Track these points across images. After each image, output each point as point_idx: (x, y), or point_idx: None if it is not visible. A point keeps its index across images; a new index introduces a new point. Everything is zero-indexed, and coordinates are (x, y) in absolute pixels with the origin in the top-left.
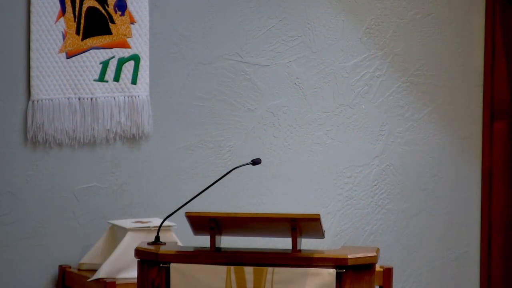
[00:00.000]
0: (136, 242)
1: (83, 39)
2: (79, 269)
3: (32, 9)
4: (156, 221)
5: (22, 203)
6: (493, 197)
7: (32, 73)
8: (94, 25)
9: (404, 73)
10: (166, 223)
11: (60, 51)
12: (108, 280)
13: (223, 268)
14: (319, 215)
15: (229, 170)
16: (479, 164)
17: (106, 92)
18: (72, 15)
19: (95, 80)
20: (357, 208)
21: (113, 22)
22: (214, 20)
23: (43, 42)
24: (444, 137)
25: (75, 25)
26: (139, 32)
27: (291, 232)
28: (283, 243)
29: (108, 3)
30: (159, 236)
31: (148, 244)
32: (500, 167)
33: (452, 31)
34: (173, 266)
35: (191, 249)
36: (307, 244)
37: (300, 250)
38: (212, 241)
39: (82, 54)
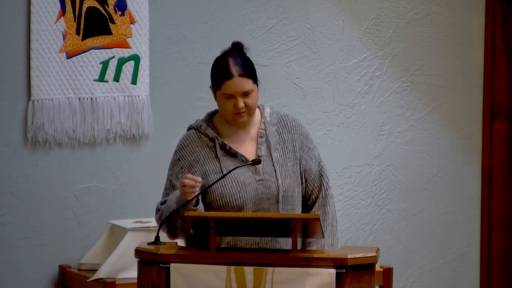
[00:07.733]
0: (136, 242)
1: (83, 39)
2: (79, 269)
3: (32, 9)
4: None
5: (22, 203)
6: (493, 197)
7: (32, 73)
8: (94, 25)
9: (404, 73)
10: None
11: (60, 51)
12: (108, 280)
13: (223, 268)
14: (319, 215)
15: (229, 170)
16: (479, 164)
17: (106, 92)
18: (72, 15)
19: (95, 80)
20: (357, 208)
21: (113, 22)
22: (214, 20)
23: (43, 42)
24: (444, 137)
25: (75, 25)
26: (139, 32)
27: (291, 232)
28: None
29: (108, 3)
30: (159, 236)
31: (148, 244)
32: (500, 167)
33: (452, 31)
34: (173, 266)
35: (191, 249)
36: None
37: (300, 250)
38: (212, 241)
39: (82, 54)
